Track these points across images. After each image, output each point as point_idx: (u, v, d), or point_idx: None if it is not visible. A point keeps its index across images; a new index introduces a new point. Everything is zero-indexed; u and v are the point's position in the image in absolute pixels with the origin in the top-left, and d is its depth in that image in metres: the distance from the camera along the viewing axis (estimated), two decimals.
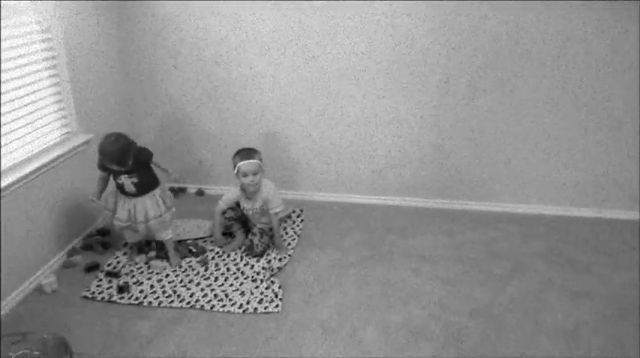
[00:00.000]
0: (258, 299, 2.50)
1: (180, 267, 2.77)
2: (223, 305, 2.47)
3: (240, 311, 2.44)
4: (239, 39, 3.20)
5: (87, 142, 2.97)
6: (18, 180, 2.44)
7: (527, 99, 3.09)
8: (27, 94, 2.58)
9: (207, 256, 2.84)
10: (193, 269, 2.75)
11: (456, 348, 2.21)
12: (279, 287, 2.58)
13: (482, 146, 3.25)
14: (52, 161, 2.69)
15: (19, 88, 2.52)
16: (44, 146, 2.71)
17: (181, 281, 2.66)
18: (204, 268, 2.75)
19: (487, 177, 3.34)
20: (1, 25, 2.36)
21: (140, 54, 3.34)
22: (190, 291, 2.57)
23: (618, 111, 3.04)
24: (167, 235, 2.78)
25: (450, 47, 3.02)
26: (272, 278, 2.66)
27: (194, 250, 2.88)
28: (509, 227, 3.19)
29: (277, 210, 2.88)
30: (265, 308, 2.45)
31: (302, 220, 3.26)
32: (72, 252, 2.86)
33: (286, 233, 3.11)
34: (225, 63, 3.28)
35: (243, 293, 2.55)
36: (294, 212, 3.33)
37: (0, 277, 2.39)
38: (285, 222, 3.23)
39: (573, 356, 2.17)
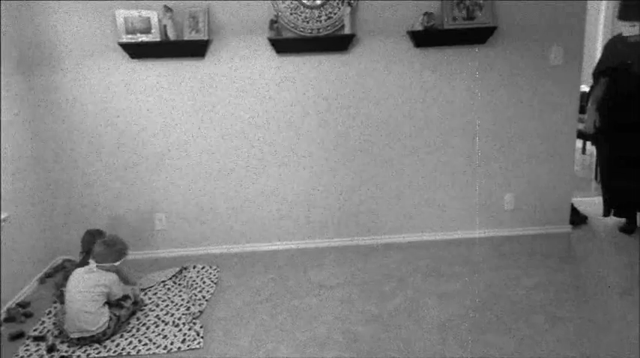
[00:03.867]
0: (181, 340, 2.80)
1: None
2: (148, 349, 2.73)
3: (165, 351, 2.71)
4: (138, 127, 3.66)
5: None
6: None
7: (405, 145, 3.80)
8: None
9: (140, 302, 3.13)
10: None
11: (354, 350, 2.66)
12: (201, 327, 2.90)
13: (369, 187, 3.88)
14: None
15: None
16: None
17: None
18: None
19: (375, 214, 3.94)
20: None
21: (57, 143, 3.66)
22: (116, 342, 2.80)
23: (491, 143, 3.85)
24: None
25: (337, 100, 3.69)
26: (194, 321, 2.97)
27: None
28: (395, 254, 3.78)
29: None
30: (188, 345, 2.75)
31: (218, 271, 3.61)
32: None
33: (203, 282, 3.44)
34: (133, 145, 3.70)
35: (166, 337, 2.83)
36: (210, 267, 3.67)
37: None
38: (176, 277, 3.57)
39: (446, 342, 2.71)
